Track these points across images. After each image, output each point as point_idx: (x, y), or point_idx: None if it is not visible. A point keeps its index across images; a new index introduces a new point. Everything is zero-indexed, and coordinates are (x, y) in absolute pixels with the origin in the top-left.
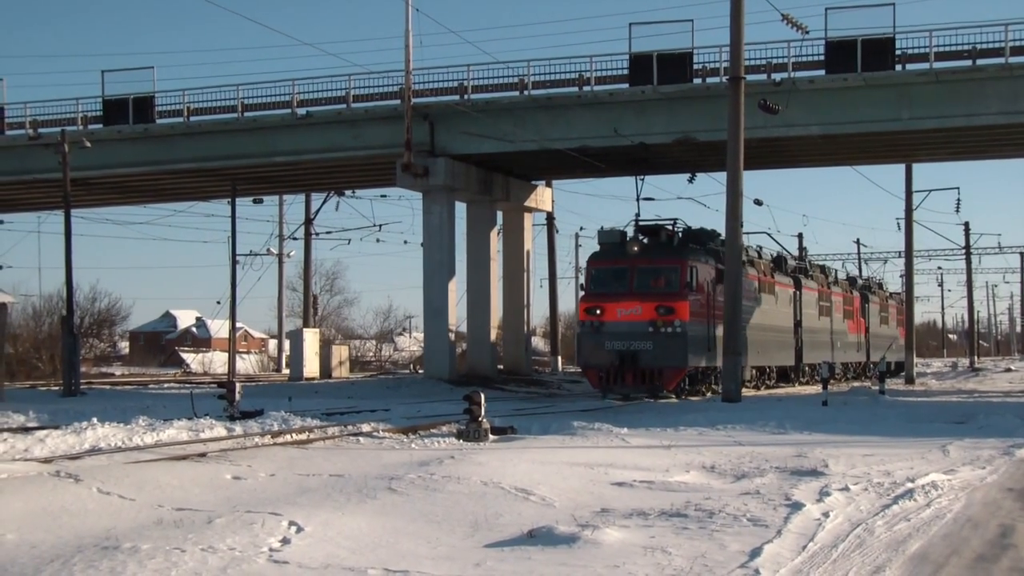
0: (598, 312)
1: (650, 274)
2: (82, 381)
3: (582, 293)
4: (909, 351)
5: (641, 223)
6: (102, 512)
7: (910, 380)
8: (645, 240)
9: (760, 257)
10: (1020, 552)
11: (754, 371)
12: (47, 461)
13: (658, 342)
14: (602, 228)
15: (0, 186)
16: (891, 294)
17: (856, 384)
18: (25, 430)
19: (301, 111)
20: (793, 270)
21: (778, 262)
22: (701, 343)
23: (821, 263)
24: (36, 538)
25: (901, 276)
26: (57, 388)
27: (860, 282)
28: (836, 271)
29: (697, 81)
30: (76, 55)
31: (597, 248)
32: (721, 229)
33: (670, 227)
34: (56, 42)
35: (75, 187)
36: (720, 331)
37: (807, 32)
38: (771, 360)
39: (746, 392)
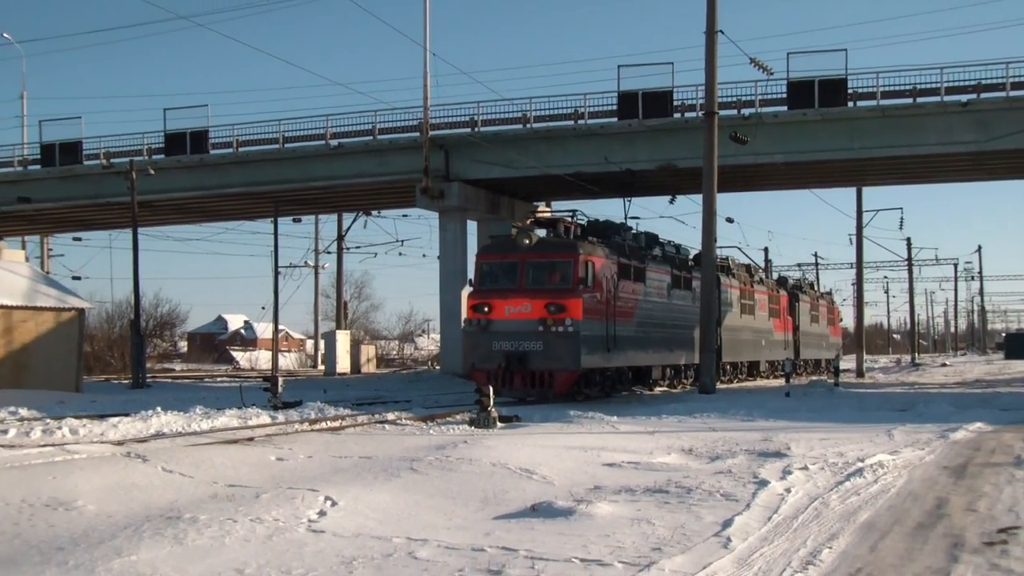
0: (485, 310)
1: (542, 269)
2: (147, 375)
3: (470, 289)
4: (860, 349)
5: (538, 216)
6: (166, 487)
7: (860, 374)
8: (539, 233)
9: (679, 253)
10: (953, 520)
11: (668, 370)
12: (119, 443)
13: (548, 342)
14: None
15: (78, 208)
16: (822, 294)
17: (814, 378)
18: (101, 417)
19: (334, 142)
20: None
21: (698, 260)
22: (597, 343)
23: (746, 263)
24: (111, 509)
25: (853, 284)
26: (127, 381)
27: (791, 282)
28: (764, 270)
29: (677, 116)
30: (141, 95)
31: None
32: (698, 244)
33: (568, 219)
34: (124, 84)
35: (141, 209)
36: (622, 331)
37: (772, 73)
38: (686, 359)
39: (660, 390)
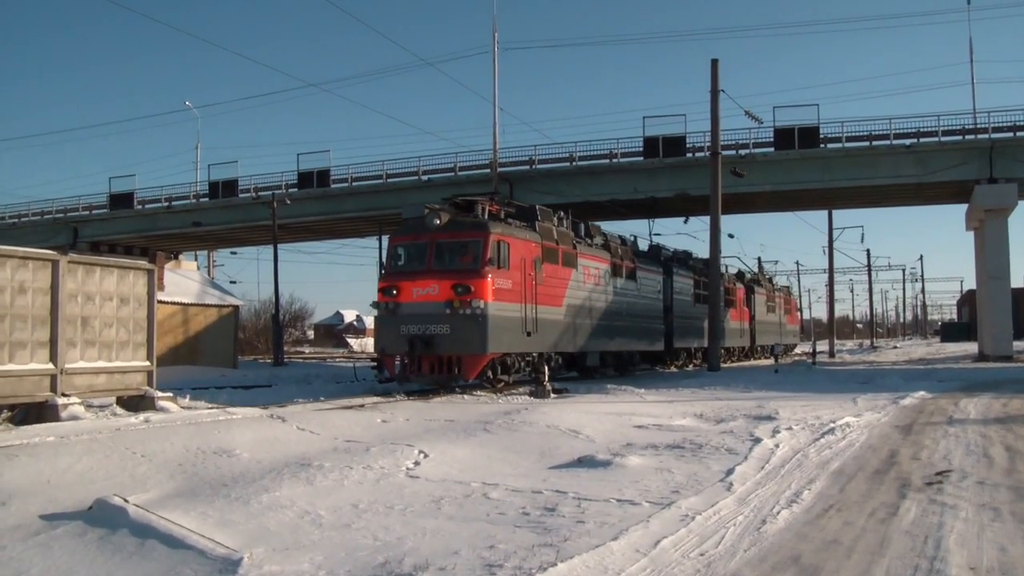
0: (394, 292)
1: (452, 250)
2: (284, 356)
3: (382, 273)
4: (831, 335)
5: (457, 199)
6: (299, 441)
7: (832, 355)
8: (446, 215)
9: (623, 244)
10: (902, 467)
11: (608, 357)
12: (265, 408)
13: (456, 325)
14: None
15: (235, 230)
16: (779, 288)
17: (797, 359)
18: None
19: (424, 177)
20: (666, 260)
21: (652, 252)
22: (511, 327)
23: (703, 258)
24: (260, 456)
25: (826, 286)
26: (269, 360)
27: (748, 277)
28: (727, 266)
29: (689, 155)
30: (280, 143)
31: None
32: (708, 255)
33: (487, 201)
34: (268, 135)
35: (280, 230)
36: (546, 315)
37: (762, 122)
38: (633, 345)
39: (607, 379)
